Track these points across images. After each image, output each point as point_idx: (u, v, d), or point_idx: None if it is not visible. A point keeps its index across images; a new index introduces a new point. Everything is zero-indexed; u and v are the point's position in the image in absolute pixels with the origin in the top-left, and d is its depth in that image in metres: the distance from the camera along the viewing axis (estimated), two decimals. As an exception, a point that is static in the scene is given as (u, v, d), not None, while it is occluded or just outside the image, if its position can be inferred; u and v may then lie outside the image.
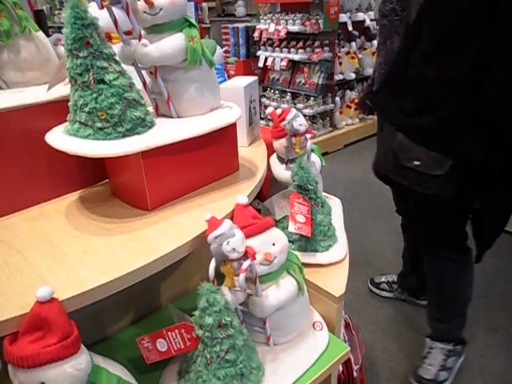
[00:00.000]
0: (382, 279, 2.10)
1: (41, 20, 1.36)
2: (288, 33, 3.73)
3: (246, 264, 0.72)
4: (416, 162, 1.19)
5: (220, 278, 0.76)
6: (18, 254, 0.69)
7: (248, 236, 0.77)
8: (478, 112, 1.09)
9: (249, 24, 4.23)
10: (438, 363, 1.59)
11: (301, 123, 1.02)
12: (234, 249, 0.71)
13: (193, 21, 0.81)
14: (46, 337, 0.56)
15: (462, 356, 1.64)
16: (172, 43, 0.78)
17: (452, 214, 1.41)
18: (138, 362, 0.80)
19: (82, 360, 0.58)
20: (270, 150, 1.17)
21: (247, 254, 0.73)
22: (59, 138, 0.75)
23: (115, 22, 0.76)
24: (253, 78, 1.15)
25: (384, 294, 2.07)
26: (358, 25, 3.96)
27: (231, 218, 0.78)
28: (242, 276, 0.71)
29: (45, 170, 0.85)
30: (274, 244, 0.80)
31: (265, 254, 0.78)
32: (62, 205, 0.85)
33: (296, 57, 3.73)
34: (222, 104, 0.93)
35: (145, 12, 0.76)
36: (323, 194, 1.19)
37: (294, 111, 1.03)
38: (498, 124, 1.10)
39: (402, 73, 1.21)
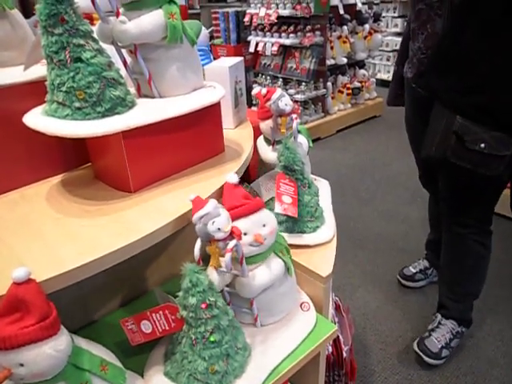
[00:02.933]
0: (413, 270, 2.03)
1: (25, 3, 1.33)
2: (279, 17, 3.68)
3: (231, 244, 0.71)
4: (482, 145, 1.19)
5: (206, 259, 0.75)
6: (-4, 237, 0.68)
7: (239, 217, 0.76)
8: None
9: (239, 9, 4.18)
10: (444, 340, 1.62)
11: (286, 103, 1.00)
12: (219, 229, 0.70)
13: (173, -3, 0.79)
14: (23, 318, 0.55)
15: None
16: (151, 20, 0.76)
17: (490, 195, 1.42)
18: (125, 345, 0.79)
19: (62, 341, 0.58)
20: (257, 133, 1.16)
21: (233, 234, 0.72)
22: (37, 118, 0.73)
23: (92, -1, 0.74)
24: (238, 59, 1.13)
25: (421, 283, 2.01)
26: (350, 8, 3.93)
27: (219, 198, 0.78)
28: (227, 256, 0.70)
29: (24, 153, 0.83)
30: (264, 225, 0.79)
31: (255, 235, 0.77)
32: (43, 188, 0.84)
33: (287, 41, 3.69)
34: (205, 84, 0.91)
35: (122, -12, 0.74)
36: (311, 176, 1.18)
37: (279, 91, 1.01)
38: None
39: (454, 52, 1.21)
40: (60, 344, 0.57)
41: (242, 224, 0.77)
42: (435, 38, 1.31)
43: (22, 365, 0.55)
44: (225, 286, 0.82)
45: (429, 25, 1.32)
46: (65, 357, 0.59)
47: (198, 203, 0.72)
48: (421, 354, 1.61)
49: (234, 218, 0.76)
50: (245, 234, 0.77)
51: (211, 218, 0.70)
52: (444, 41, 1.25)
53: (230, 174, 0.80)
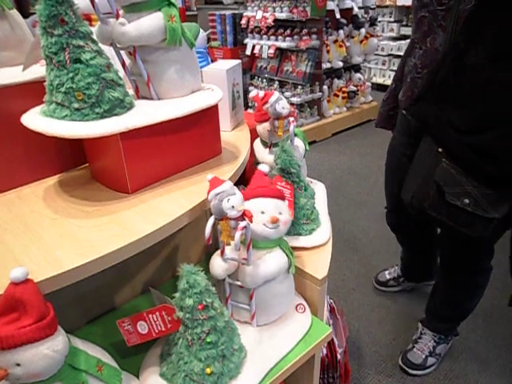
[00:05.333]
0: (387, 276, 2.04)
1: (21, 3, 1.33)
2: (275, 20, 3.70)
3: (242, 224, 0.74)
4: (466, 200, 0.97)
5: (214, 243, 0.77)
6: (-7, 237, 0.68)
7: (260, 195, 0.83)
8: None
9: (236, 11, 4.19)
10: (427, 349, 1.62)
11: (283, 106, 1.01)
12: (233, 206, 0.73)
13: (172, 0, 0.79)
14: (21, 318, 0.55)
15: (450, 343, 1.68)
16: (151, 22, 0.77)
17: (489, 244, 1.33)
18: (122, 346, 0.80)
19: (59, 342, 0.58)
20: (254, 135, 1.17)
21: (245, 216, 0.75)
22: (35, 119, 0.73)
23: (92, 0, 0.74)
24: (236, 62, 1.14)
25: (395, 289, 2.02)
26: (346, 12, 3.95)
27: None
28: (237, 234, 0.73)
29: (22, 154, 0.83)
30: (280, 213, 0.83)
31: (271, 216, 0.81)
32: (40, 188, 0.84)
33: (283, 44, 3.71)
34: (203, 86, 0.92)
35: (122, -10, 0.74)
36: (307, 178, 1.19)
37: (276, 94, 1.02)
38: None
39: (454, 76, 0.98)
40: (57, 344, 0.57)
41: (263, 202, 0.83)
42: (434, 56, 1.11)
43: (18, 365, 0.55)
44: (227, 275, 0.84)
45: (429, 38, 1.11)
46: (62, 357, 0.59)
47: (215, 182, 0.75)
48: (405, 367, 1.60)
49: (257, 195, 0.83)
50: (262, 212, 0.81)
51: (227, 195, 0.73)
52: (445, 61, 1.01)
53: (262, 165, 0.91)
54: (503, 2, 0.89)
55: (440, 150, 1.01)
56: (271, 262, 0.84)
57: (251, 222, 0.77)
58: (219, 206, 0.73)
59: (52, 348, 0.57)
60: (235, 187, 0.76)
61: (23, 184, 0.85)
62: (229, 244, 0.77)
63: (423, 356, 1.61)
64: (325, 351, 1.20)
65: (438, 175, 1.01)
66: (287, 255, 0.86)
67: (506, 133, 0.91)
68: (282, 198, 0.87)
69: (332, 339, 1.20)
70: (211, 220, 0.75)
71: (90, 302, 0.98)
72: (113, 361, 0.73)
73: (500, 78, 0.90)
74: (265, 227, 0.81)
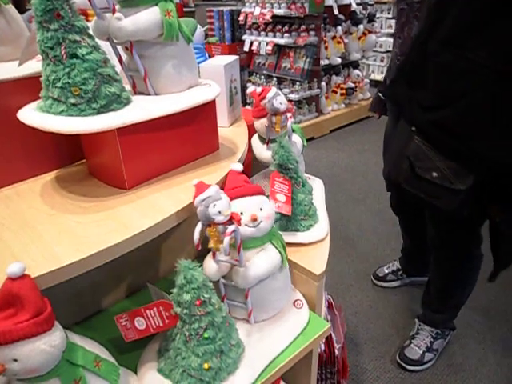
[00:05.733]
0: (386, 271, 2.05)
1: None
2: (273, 16, 3.69)
3: (230, 228, 0.73)
4: (434, 174, 1.05)
5: (205, 244, 0.76)
6: (-10, 232, 0.68)
7: (237, 196, 0.80)
8: (507, 106, 0.96)
9: (234, 7, 4.18)
10: (424, 345, 1.62)
11: (281, 102, 1.01)
12: (219, 212, 0.72)
13: (169, -6, 0.79)
14: (18, 313, 0.55)
15: (447, 338, 1.68)
16: (147, 17, 0.77)
17: (469, 225, 1.33)
18: (119, 342, 0.80)
19: (56, 337, 0.58)
20: (252, 131, 1.16)
21: (233, 219, 0.74)
22: (31, 114, 0.73)
23: (88, -6, 0.74)
24: (234, 58, 1.13)
25: (393, 284, 2.02)
26: (344, 9, 3.94)
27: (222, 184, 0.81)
28: (226, 239, 0.72)
29: (19, 149, 0.83)
30: (261, 209, 0.82)
31: (251, 214, 0.79)
32: (37, 184, 0.84)
33: (281, 41, 3.70)
34: (200, 82, 0.91)
35: (118, -16, 0.74)
36: (305, 175, 1.18)
37: (274, 90, 1.01)
38: None
39: (420, 61, 1.07)
40: (54, 340, 0.57)
41: (239, 203, 0.80)
42: (409, 44, 1.19)
43: (15, 360, 0.55)
44: (221, 276, 0.83)
45: (406, 28, 1.23)
46: (59, 352, 0.59)
47: (201, 187, 0.74)
48: (402, 364, 1.61)
49: (233, 197, 0.80)
50: (241, 213, 0.80)
51: (212, 201, 0.72)
52: (414, 47, 1.12)
53: (235, 163, 0.85)
54: None
55: (413, 128, 1.09)
56: (263, 261, 0.82)
57: (239, 225, 0.76)
58: (205, 212, 0.72)
59: (49, 343, 0.56)
60: (221, 191, 0.75)
61: (20, 180, 0.85)
62: (218, 250, 0.75)
63: (420, 352, 1.61)
64: (323, 347, 1.20)
65: (410, 151, 1.08)
66: (279, 251, 0.85)
67: (458, 110, 1.00)
68: (261, 193, 0.84)
69: (330, 335, 1.20)
70: (199, 226, 0.74)
71: (87, 298, 0.98)
72: (110, 356, 0.73)
73: (447, 62, 1.00)
74: (247, 227, 0.80)
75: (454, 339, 1.71)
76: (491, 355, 1.65)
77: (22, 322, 0.54)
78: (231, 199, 0.79)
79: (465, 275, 1.51)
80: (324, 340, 1.20)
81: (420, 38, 1.08)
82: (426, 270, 1.91)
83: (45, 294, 0.58)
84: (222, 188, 0.79)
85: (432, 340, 1.63)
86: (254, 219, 0.79)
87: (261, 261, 0.82)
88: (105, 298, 1.01)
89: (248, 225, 0.80)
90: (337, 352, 1.22)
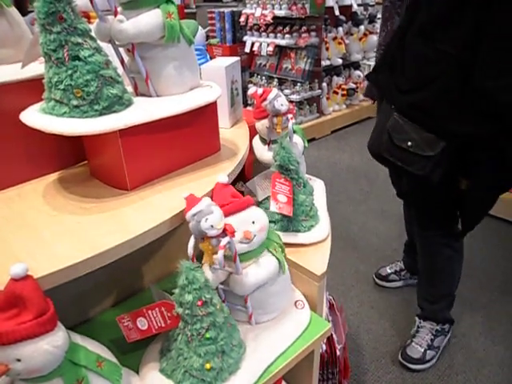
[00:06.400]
0: (388, 270, 2.06)
1: (19, 1, 1.32)
2: (274, 17, 3.69)
3: (224, 241, 0.72)
4: (409, 143, 1.21)
5: (200, 257, 0.76)
6: (-8, 233, 0.68)
7: (227, 214, 0.76)
8: (472, 90, 1.09)
9: (235, 9, 4.18)
10: (425, 342, 1.63)
11: (282, 103, 1.01)
12: (212, 226, 0.70)
13: (170, -3, 0.79)
14: (21, 314, 0.55)
15: (448, 333, 1.69)
16: (149, 19, 0.77)
17: (442, 196, 1.42)
18: (121, 342, 0.80)
19: (59, 337, 0.58)
20: (253, 132, 1.17)
21: (226, 232, 0.73)
22: (34, 116, 0.74)
23: (90, -3, 0.74)
24: (235, 59, 1.14)
25: (395, 284, 2.03)
26: (345, 10, 3.95)
27: (211, 197, 0.78)
28: (220, 253, 0.71)
29: (21, 151, 0.83)
30: (253, 222, 0.80)
31: (244, 232, 0.78)
32: (39, 185, 0.84)
33: (282, 42, 3.71)
34: (201, 83, 0.92)
35: (120, -13, 0.74)
36: (306, 175, 1.19)
37: (275, 91, 1.02)
38: (492, 99, 1.09)
39: (399, 51, 1.23)
40: (57, 340, 0.58)
41: (230, 221, 0.76)
42: (391, 36, 1.36)
43: (19, 360, 0.55)
44: (219, 283, 0.83)
45: (389, 22, 1.42)
46: (62, 353, 0.59)
47: (192, 201, 0.72)
48: (405, 363, 1.62)
49: (224, 215, 0.76)
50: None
51: (204, 215, 0.70)
52: (394, 39, 1.29)
53: (220, 174, 0.81)
54: None
55: (393, 107, 1.27)
56: (260, 269, 0.82)
57: (233, 236, 0.74)
58: (198, 227, 0.70)
59: (52, 343, 0.57)
60: (213, 203, 0.73)
61: (23, 181, 0.85)
62: (213, 264, 0.75)
63: (422, 350, 1.62)
64: (324, 347, 1.21)
65: (389, 125, 1.25)
66: (277, 257, 0.85)
67: (430, 93, 1.15)
68: (250, 204, 0.81)
69: (331, 335, 1.21)
70: (192, 240, 0.73)
71: (89, 299, 0.98)
72: (113, 356, 0.73)
73: (419, 51, 1.16)
74: (241, 244, 0.79)
75: (455, 340, 1.71)
76: (492, 356, 1.65)
77: (25, 323, 0.55)
78: None
79: (448, 253, 1.55)
80: (325, 340, 1.20)
81: (399, 32, 1.25)
82: None
83: (47, 295, 0.59)
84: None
85: (432, 337, 1.64)
86: (248, 237, 0.78)
87: (259, 269, 0.82)
88: (107, 298, 1.01)
89: (242, 242, 0.78)
90: (338, 352, 1.23)
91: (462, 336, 1.74)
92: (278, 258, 0.84)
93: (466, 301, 1.89)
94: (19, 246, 0.65)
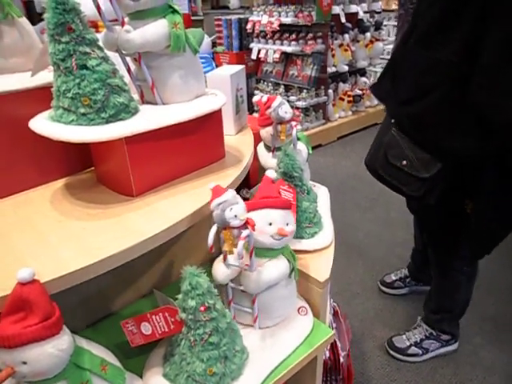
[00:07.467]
0: (393, 277, 2.05)
1: (30, 11, 1.35)
2: (281, 25, 3.72)
3: (245, 233, 0.74)
4: (403, 162, 1.15)
5: (217, 249, 0.78)
6: None
7: (268, 206, 0.81)
8: (467, 104, 1.04)
9: (242, 16, 4.22)
10: (414, 338, 1.67)
11: (286, 111, 1.02)
12: (236, 216, 0.74)
13: (176, 7, 0.81)
14: (27, 317, 0.56)
15: (448, 346, 1.68)
16: (155, 29, 0.79)
17: (446, 218, 1.38)
18: (125, 347, 0.81)
19: (64, 341, 0.59)
20: (258, 139, 1.18)
21: (247, 225, 0.76)
22: (42, 123, 0.75)
23: (98, 7, 0.76)
24: (240, 67, 1.15)
25: (400, 291, 2.02)
26: (351, 17, 3.96)
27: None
28: (240, 244, 0.73)
29: (30, 157, 0.85)
30: (287, 224, 0.83)
31: (279, 228, 0.81)
32: (46, 191, 0.86)
33: (289, 49, 3.73)
34: (207, 91, 0.93)
35: (127, -2, 0.76)
36: (310, 182, 1.20)
37: (279, 99, 1.03)
38: (487, 116, 1.04)
39: (400, 58, 1.20)
40: (62, 343, 0.59)
41: (271, 213, 0.82)
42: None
43: (25, 363, 0.56)
44: (229, 280, 0.85)
45: (400, 31, 1.37)
46: (67, 356, 0.60)
47: (218, 191, 0.76)
48: (387, 347, 1.69)
49: (264, 206, 0.82)
50: (270, 224, 0.81)
51: (229, 204, 0.74)
52: (398, 49, 1.26)
53: (269, 170, 0.90)
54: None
55: (392, 120, 1.20)
56: (274, 268, 0.84)
57: (254, 230, 0.77)
58: (222, 216, 0.74)
59: (57, 347, 0.58)
60: (238, 196, 0.77)
61: (31, 187, 0.87)
62: (232, 253, 0.77)
63: (407, 343, 1.66)
64: (328, 354, 1.21)
65: (386, 140, 1.19)
66: (289, 261, 0.87)
67: (426, 104, 1.09)
68: (289, 207, 0.87)
69: (335, 342, 1.21)
70: (214, 228, 0.76)
71: (94, 304, 0.99)
72: (117, 361, 0.74)
73: (417, 60, 1.11)
74: (272, 239, 0.82)
75: (461, 348, 1.70)
76: (499, 365, 1.63)
77: (32, 326, 0.56)
78: (262, 207, 0.81)
79: (458, 277, 1.54)
80: (329, 347, 1.20)
81: (403, 41, 1.20)
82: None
83: (53, 299, 0.60)
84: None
85: (423, 338, 1.66)
86: (283, 234, 0.81)
87: (271, 268, 0.84)
88: (112, 303, 1.03)
89: (274, 237, 0.81)
90: (342, 359, 1.22)
91: (468, 344, 1.72)
92: (290, 262, 0.86)
93: (474, 310, 1.87)
94: (26, 250, 0.66)
